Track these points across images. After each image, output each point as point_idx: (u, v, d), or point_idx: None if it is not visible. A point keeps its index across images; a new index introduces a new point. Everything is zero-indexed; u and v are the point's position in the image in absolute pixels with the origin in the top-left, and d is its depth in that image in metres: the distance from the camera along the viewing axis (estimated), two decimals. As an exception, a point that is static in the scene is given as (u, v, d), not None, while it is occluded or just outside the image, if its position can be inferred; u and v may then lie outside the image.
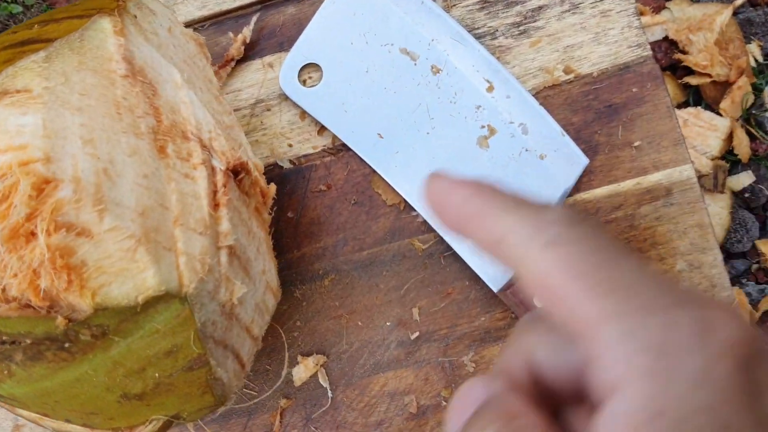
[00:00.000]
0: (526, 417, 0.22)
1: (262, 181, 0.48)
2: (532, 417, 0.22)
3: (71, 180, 0.36)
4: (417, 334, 0.52)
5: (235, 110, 0.57)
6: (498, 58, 0.56)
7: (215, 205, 0.42)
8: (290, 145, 0.56)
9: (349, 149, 0.54)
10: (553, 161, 0.52)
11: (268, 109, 0.56)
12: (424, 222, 0.54)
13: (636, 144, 0.54)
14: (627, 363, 0.20)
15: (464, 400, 0.24)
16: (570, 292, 0.21)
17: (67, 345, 0.38)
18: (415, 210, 0.53)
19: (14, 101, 0.36)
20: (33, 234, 0.35)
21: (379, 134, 0.53)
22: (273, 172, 0.56)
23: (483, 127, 0.53)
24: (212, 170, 0.42)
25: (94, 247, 0.36)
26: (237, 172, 0.44)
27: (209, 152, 0.43)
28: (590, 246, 0.21)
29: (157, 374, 0.40)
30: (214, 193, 0.42)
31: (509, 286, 0.50)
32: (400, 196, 0.53)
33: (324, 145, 0.55)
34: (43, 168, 0.35)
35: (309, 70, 0.56)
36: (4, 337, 0.38)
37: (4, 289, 0.36)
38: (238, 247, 0.43)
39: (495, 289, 0.51)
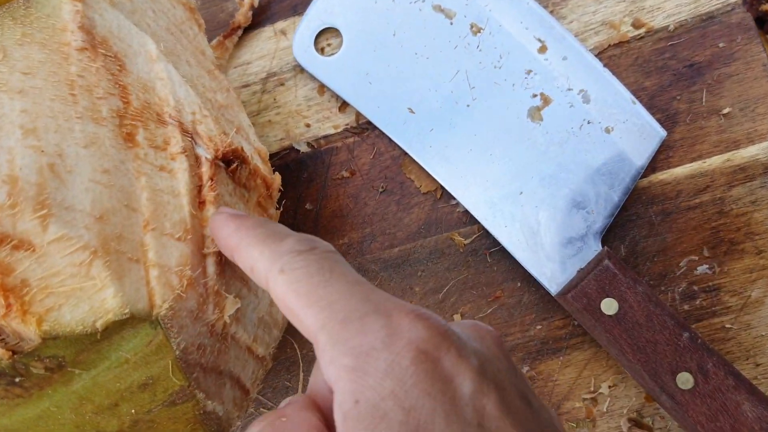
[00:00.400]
0: (292, 417, 0.26)
1: (265, 169, 0.40)
2: (297, 418, 0.26)
3: (5, 180, 0.29)
4: (458, 346, 0.44)
5: (244, 86, 0.49)
6: (551, 11, 0.48)
7: (200, 203, 0.35)
8: (308, 125, 0.49)
9: (376, 128, 0.48)
10: (621, 135, 0.45)
11: (282, 84, 0.50)
12: (466, 212, 0.46)
13: (725, 111, 0.44)
14: (335, 364, 0.24)
15: None
16: (297, 309, 0.26)
17: (18, 379, 0.32)
18: (454, 198, 0.46)
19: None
20: (-40, 249, 0.29)
21: (410, 109, 0.47)
22: (289, 157, 0.48)
23: (535, 96, 0.46)
24: (196, 160, 0.35)
25: (37, 263, 0.30)
26: (230, 161, 0.37)
27: (192, 138, 0.35)
28: (311, 270, 0.27)
29: (133, 410, 0.34)
30: (199, 188, 0.35)
31: (571, 288, 0.41)
32: (437, 182, 0.47)
33: (346, 124, 0.49)
34: (-31, 167, 0.29)
35: (327, 36, 0.49)
36: (-56, 371, 0.31)
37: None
38: (230, 252, 0.36)
39: (553, 292, 0.43)
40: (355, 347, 0.24)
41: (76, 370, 0.32)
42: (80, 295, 0.30)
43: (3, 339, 0.30)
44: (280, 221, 0.43)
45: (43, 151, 0.30)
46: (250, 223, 0.30)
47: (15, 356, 0.30)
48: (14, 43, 0.32)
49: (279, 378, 0.47)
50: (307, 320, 0.25)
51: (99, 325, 0.30)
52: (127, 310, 0.30)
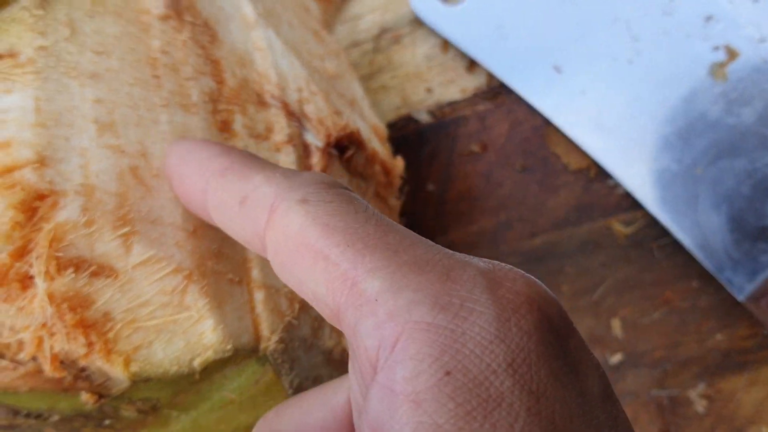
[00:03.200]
0: None
1: (384, 152, 0.34)
2: None
3: (79, 191, 0.25)
4: (619, 356, 0.41)
5: (353, 45, 0.44)
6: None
7: (311, 203, 0.29)
8: (429, 90, 0.44)
9: (513, 92, 0.42)
10: (833, 95, 0.37)
11: (398, 41, 0.44)
12: (627, 195, 0.41)
13: None
14: (399, 319, 0.17)
15: None
16: (327, 249, 0.19)
17: (107, 422, 0.28)
18: (611, 177, 0.40)
19: (-10, 73, 0.25)
20: (30, 277, 0.24)
21: (555, 67, 0.41)
22: (407, 129, 0.44)
23: (717, 48, 0.39)
24: (305, 149, 0.30)
25: (121, 292, 0.25)
26: (343, 147, 0.31)
27: (299, 122, 0.29)
28: (348, 207, 0.20)
29: (240, 454, 0.29)
30: (310, 184, 0.29)
31: (765, 292, 0.34)
32: (589, 157, 0.41)
33: (476, 88, 0.43)
34: (35, 175, 0.24)
35: (451, -18, 0.44)
36: (25, 411, 0.27)
37: (8, 350, 0.25)
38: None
39: (741, 297, 0.37)
40: (438, 295, 0.17)
41: (173, 412, 0.27)
42: (174, 329, 0.25)
43: (87, 376, 0.26)
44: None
45: (123, 151, 0.25)
46: (236, 149, 0.24)
47: (102, 400, 0.26)
48: (83, 15, 0.26)
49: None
50: (345, 262, 0.18)
51: (197, 364, 0.25)
52: (229, 346, 0.25)
